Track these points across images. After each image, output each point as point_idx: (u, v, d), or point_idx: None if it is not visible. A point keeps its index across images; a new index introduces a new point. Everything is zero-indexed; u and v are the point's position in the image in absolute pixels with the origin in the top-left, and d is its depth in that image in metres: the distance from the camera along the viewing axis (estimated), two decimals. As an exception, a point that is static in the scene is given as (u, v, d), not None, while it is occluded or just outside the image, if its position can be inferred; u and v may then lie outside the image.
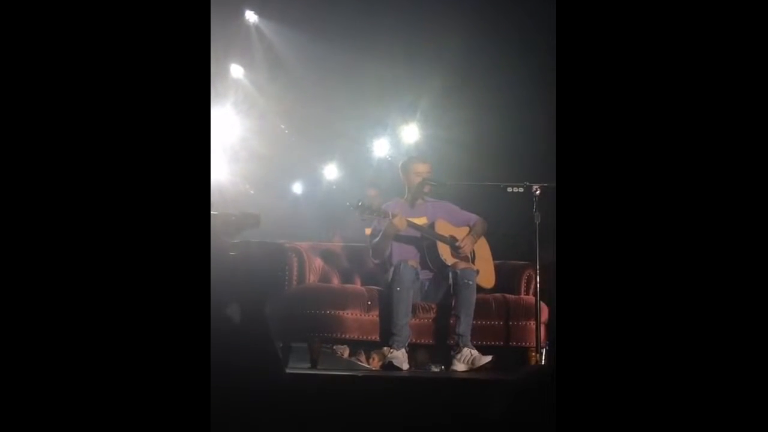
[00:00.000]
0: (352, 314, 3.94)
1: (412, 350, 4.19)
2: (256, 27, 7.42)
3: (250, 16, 7.44)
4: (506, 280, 4.33)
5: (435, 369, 5.13)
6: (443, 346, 4.16)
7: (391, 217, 4.00)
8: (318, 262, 4.26)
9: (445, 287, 4.06)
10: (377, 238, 4.11)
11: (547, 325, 4.15)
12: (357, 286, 4.22)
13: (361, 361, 5.75)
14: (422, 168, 4.28)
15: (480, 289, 4.07)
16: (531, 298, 4.16)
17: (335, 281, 4.30)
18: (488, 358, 3.84)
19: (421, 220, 4.20)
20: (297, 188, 8.55)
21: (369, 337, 4.00)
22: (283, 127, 7.80)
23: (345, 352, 5.94)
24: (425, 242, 4.16)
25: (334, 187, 8.29)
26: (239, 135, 7.42)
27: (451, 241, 4.18)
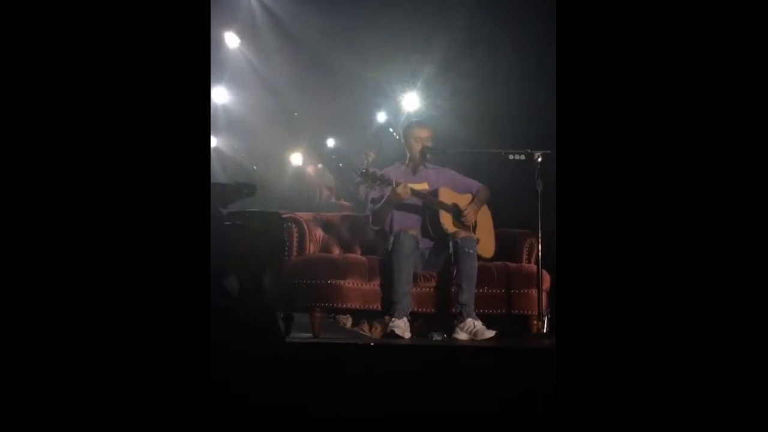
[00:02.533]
0: (352, 284, 3.93)
1: (414, 319, 4.18)
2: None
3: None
4: (508, 248, 4.32)
5: (437, 337, 5.13)
6: (444, 314, 4.15)
7: (394, 186, 3.97)
8: (318, 233, 4.25)
9: (445, 256, 4.04)
10: (379, 205, 4.09)
11: (549, 293, 4.14)
12: (357, 255, 4.21)
13: (363, 331, 5.75)
14: (423, 133, 4.25)
15: (479, 258, 4.05)
16: (532, 266, 4.14)
17: (336, 251, 4.28)
18: (492, 333, 3.82)
19: (422, 186, 4.17)
20: (297, 158, 8.50)
21: (370, 307, 4.00)
22: (280, 96, 7.73)
23: (348, 322, 5.94)
24: (427, 210, 4.14)
25: (334, 156, 8.25)
26: (237, 105, 7.37)
27: (454, 210, 4.16)
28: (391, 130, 7.61)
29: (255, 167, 7.59)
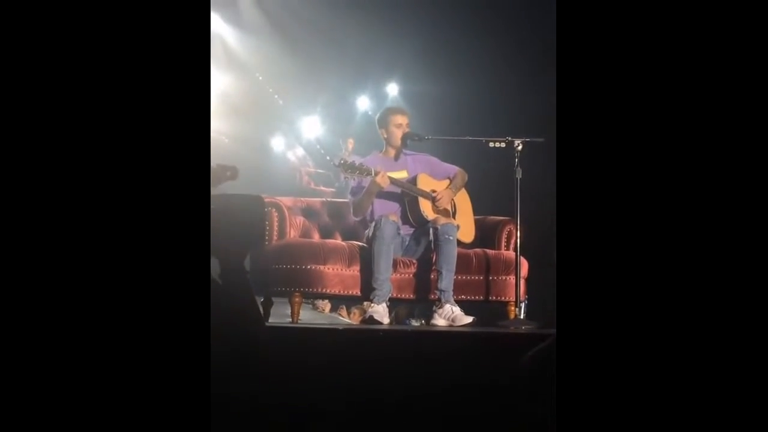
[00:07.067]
0: (332, 269, 3.95)
1: (393, 305, 4.21)
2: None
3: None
4: (486, 235, 4.35)
5: (415, 323, 5.17)
6: (424, 301, 4.18)
7: (374, 175, 3.98)
8: (299, 218, 4.26)
9: (425, 242, 4.06)
10: (359, 196, 4.10)
11: (527, 280, 4.18)
12: (338, 241, 4.23)
13: (342, 316, 5.78)
14: (401, 119, 4.23)
15: (459, 243, 4.08)
16: (511, 253, 4.18)
17: (316, 237, 4.30)
18: (469, 319, 3.86)
19: (401, 174, 4.19)
20: (278, 143, 8.48)
21: (350, 292, 4.01)
22: (260, 77, 7.69)
23: (326, 307, 5.98)
24: (407, 198, 4.16)
25: (313, 138, 8.23)
26: (218, 88, 7.34)
27: (432, 196, 4.18)
28: (370, 113, 7.62)
29: (226, 140, 7.51)
